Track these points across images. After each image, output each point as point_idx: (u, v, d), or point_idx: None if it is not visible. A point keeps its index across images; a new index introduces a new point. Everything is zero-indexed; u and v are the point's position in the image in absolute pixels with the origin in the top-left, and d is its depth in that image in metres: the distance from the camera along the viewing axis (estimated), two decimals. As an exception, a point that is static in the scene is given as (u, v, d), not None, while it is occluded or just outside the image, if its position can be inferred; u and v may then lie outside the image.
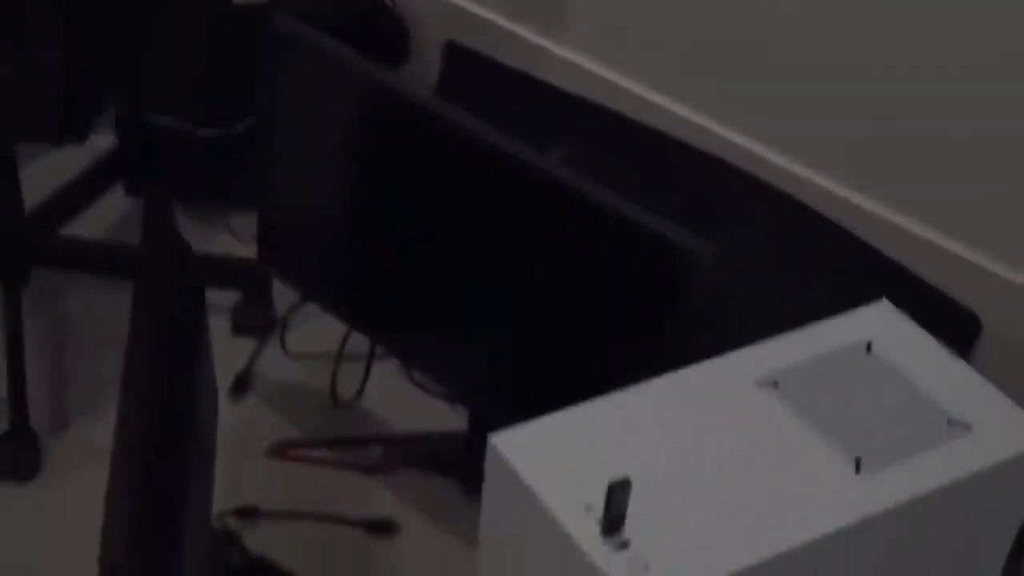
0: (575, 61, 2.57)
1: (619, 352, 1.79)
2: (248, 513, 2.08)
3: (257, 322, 2.39)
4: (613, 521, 1.37)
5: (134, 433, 1.43)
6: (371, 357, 2.28)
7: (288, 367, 2.36)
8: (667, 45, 2.44)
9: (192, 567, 1.54)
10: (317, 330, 2.38)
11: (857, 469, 1.47)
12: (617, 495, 1.36)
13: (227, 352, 2.28)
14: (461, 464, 2.15)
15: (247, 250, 2.44)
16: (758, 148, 2.36)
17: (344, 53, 1.96)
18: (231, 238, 2.53)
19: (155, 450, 1.46)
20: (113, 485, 1.38)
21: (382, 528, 2.11)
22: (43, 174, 2.45)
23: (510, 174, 1.83)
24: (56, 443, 2.19)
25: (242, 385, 2.30)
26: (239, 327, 2.39)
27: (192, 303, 1.72)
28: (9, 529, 2.08)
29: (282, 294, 2.39)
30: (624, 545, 1.36)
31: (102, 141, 2.58)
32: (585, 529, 1.37)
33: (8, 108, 2.08)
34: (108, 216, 2.59)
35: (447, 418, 2.25)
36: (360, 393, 2.29)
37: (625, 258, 1.74)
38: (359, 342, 2.31)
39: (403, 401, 2.30)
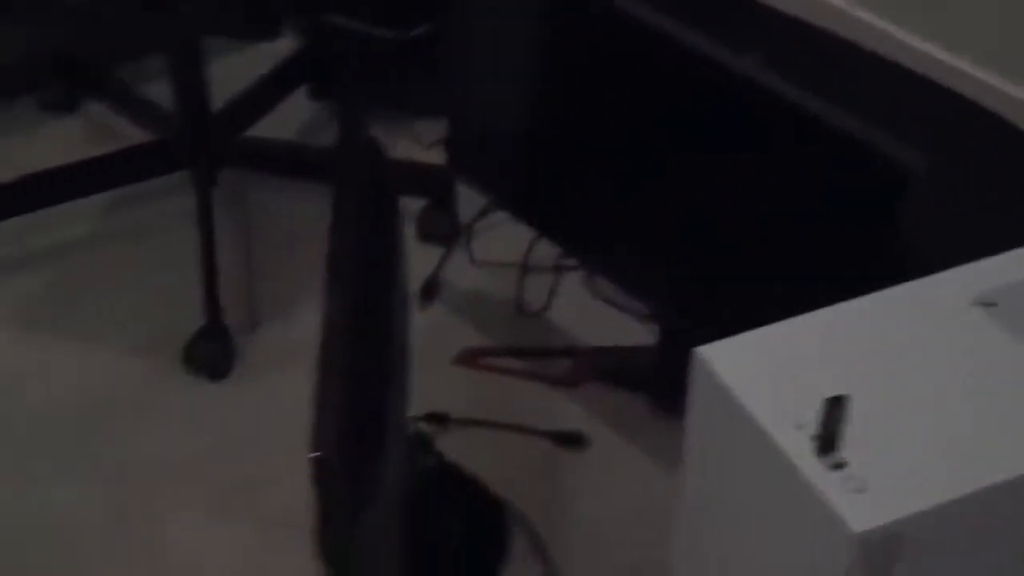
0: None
1: (827, 267, 1.73)
2: (438, 419, 2.07)
3: (443, 229, 2.37)
4: (828, 440, 1.32)
5: (339, 334, 1.41)
6: (560, 267, 2.24)
7: (474, 275, 2.34)
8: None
9: (393, 467, 1.54)
10: (502, 238, 2.36)
11: (1080, 396, 1.40)
12: (833, 412, 1.31)
13: (413, 259, 2.26)
14: (650, 379, 2.12)
15: (429, 155, 2.43)
16: (971, 68, 2.27)
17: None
18: (413, 143, 2.51)
19: (359, 351, 1.45)
20: (321, 384, 1.37)
21: (571, 440, 2.08)
22: (226, 77, 2.45)
23: (711, 78, 1.77)
24: (248, 341, 2.21)
25: (429, 292, 2.29)
26: (425, 234, 2.37)
27: (389, 208, 1.70)
28: (203, 425, 2.11)
29: (467, 202, 2.37)
30: (839, 465, 1.31)
31: (286, 44, 2.58)
32: (798, 447, 1.33)
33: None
34: (291, 120, 2.58)
35: (633, 332, 2.22)
36: (548, 304, 2.26)
37: (837, 170, 1.68)
38: (545, 253, 2.28)
39: (588, 313, 2.27)
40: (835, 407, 1.32)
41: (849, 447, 1.33)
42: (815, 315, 1.47)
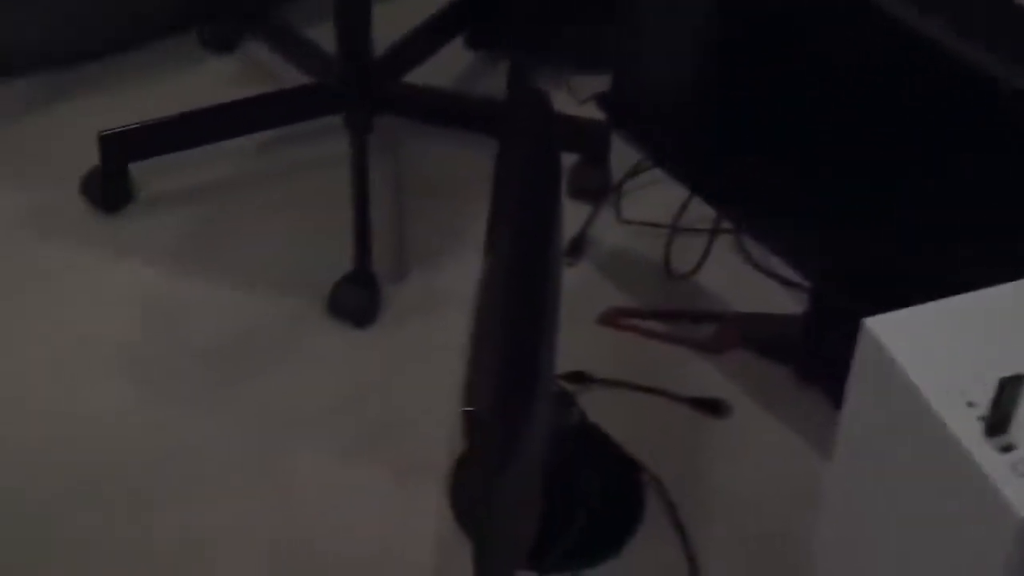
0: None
1: (1007, 240, 1.67)
2: (579, 378, 2.05)
3: (595, 186, 2.35)
4: (999, 421, 1.28)
5: (499, 288, 1.40)
6: (714, 231, 2.21)
7: (621, 234, 2.32)
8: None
9: (542, 423, 1.53)
10: (651, 198, 2.33)
11: None
12: (1007, 392, 1.28)
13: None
14: (797, 349, 2.08)
15: (582, 110, 2.39)
16: None
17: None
18: (567, 97, 2.47)
19: (517, 307, 1.43)
20: (477, 337, 1.36)
21: (711, 407, 2.06)
22: (379, 22, 2.42)
23: (892, 39, 1.71)
24: (394, 290, 2.20)
25: (576, 249, 2.27)
26: (576, 190, 2.34)
27: (552, 163, 1.69)
28: (344, 370, 2.10)
29: (617, 159, 2.34)
30: (1008, 448, 1.28)
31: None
32: (967, 426, 1.29)
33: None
34: (447, 67, 2.56)
35: (782, 300, 2.18)
36: (698, 267, 2.23)
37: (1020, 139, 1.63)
38: (693, 215, 2.25)
39: (738, 279, 2.23)
40: (1010, 387, 1.28)
41: (1019, 430, 1.29)
42: (993, 290, 1.42)
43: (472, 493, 1.71)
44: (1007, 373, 1.29)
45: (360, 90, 2.31)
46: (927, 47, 1.68)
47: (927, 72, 1.70)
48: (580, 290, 2.21)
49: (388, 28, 2.39)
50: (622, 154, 2.28)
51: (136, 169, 2.33)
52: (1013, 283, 1.42)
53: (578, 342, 2.09)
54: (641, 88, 2.10)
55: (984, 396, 1.30)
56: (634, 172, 2.36)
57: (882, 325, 1.39)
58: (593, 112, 2.28)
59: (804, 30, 1.85)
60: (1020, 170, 1.65)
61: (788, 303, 2.17)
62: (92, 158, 2.31)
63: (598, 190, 2.35)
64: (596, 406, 2.00)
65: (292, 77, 2.43)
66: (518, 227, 1.49)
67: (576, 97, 2.45)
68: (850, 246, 1.89)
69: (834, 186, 1.88)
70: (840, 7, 1.77)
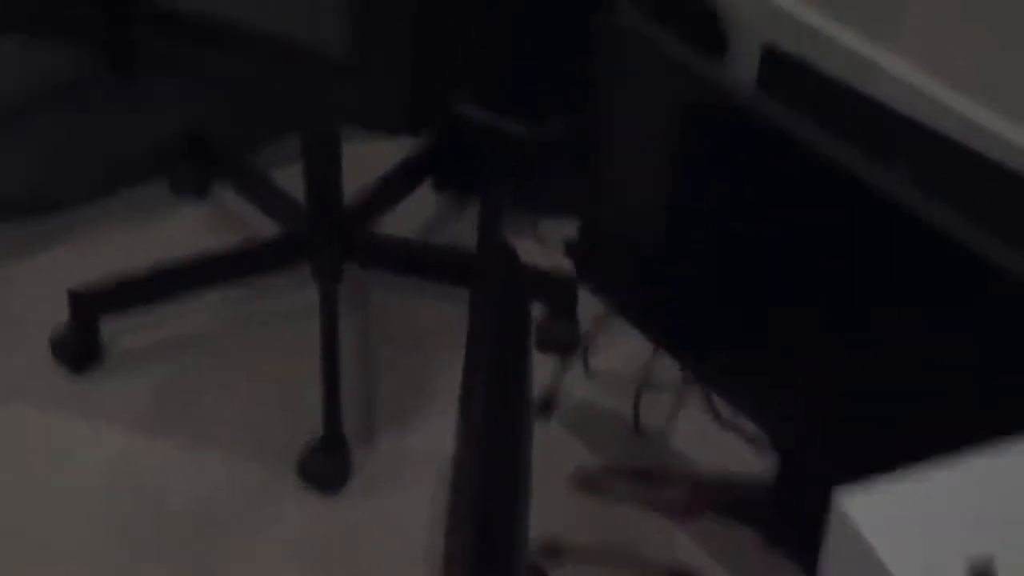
0: (906, 77, 2.39)
1: (978, 407, 1.66)
2: (552, 551, 2.02)
3: (564, 340, 2.33)
4: (970, 605, 1.26)
5: (474, 455, 1.38)
6: (682, 386, 2.19)
7: (591, 389, 2.29)
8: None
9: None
10: (621, 348, 2.30)
11: None
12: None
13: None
14: (765, 513, 2.06)
15: (552, 258, 2.38)
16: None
17: (687, 54, 1.84)
18: (536, 244, 2.46)
19: (492, 477, 1.41)
20: (453, 511, 1.33)
21: (683, 578, 2.03)
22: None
23: (856, 195, 1.71)
24: (364, 452, 2.15)
25: (546, 406, 2.24)
26: (544, 343, 2.32)
27: (523, 318, 1.67)
28: (311, 542, 2.05)
29: (586, 309, 2.32)
30: (979, 632, 1.26)
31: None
32: (939, 609, 1.27)
33: (345, 87, 1.97)
34: (414, 211, 2.53)
35: (752, 458, 2.16)
36: (666, 426, 2.21)
37: (987, 301, 1.61)
38: (666, 365, 2.23)
39: (706, 437, 2.21)
40: (981, 570, 1.26)
41: (993, 613, 1.27)
42: (966, 461, 1.40)
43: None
44: (978, 551, 1.27)
45: (330, 239, 2.28)
46: (894, 212, 1.68)
47: (891, 234, 1.70)
48: (550, 449, 2.17)
49: (356, 169, 2.35)
50: (591, 303, 2.25)
51: (104, 324, 2.28)
52: (988, 454, 1.41)
53: (549, 506, 2.04)
54: (606, 239, 2.08)
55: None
56: (602, 322, 2.34)
57: (853, 499, 1.37)
58: (562, 258, 2.26)
59: (767, 192, 1.85)
60: (994, 340, 1.64)
61: (759, 462, 2.15)
62: (61, 314, 2.26)
63: (567, 344, 2.33)
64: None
65: (263, 222, 2.41)
66: (489, 390, 1.48)
67: (544, 244, 2.44)
68: (818, 409, 1.87)
69: (798, 346, 1.86)
70: (804, 168, 1.77)
